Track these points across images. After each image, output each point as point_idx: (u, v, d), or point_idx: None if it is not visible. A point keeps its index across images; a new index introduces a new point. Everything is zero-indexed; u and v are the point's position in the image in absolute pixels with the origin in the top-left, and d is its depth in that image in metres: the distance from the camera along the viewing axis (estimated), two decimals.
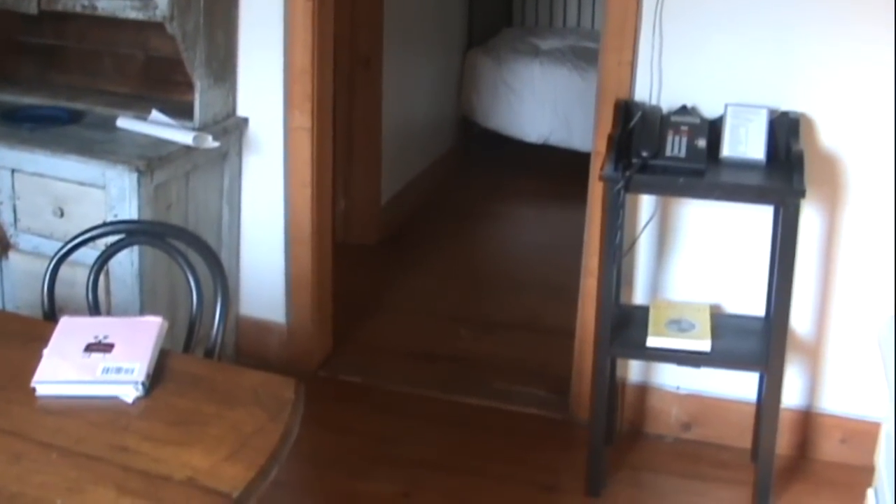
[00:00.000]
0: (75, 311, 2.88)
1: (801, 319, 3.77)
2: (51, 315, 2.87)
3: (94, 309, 2.95)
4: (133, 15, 3.83)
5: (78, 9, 3.90)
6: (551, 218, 6.26)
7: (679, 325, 3.59)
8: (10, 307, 3.87)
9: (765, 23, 3.59)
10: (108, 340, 2.47)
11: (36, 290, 2.98)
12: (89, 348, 2.45)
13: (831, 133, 3.61)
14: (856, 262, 3.70)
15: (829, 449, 3.88)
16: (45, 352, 2.44)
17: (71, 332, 2.52)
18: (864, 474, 3.35)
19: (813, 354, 3.82)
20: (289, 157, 4.19)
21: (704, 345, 3.51)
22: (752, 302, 3.76)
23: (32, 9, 3.94)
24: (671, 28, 3.66)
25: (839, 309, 3.76)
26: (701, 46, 3.66)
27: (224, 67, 4.06)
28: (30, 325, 2.78)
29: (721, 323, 3.66)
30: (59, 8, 3.92)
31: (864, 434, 3.67)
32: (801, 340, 3.79)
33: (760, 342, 3.58)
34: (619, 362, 3.92)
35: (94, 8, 3.87)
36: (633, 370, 4.01)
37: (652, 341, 3.54)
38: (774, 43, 3.59)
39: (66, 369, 2.39)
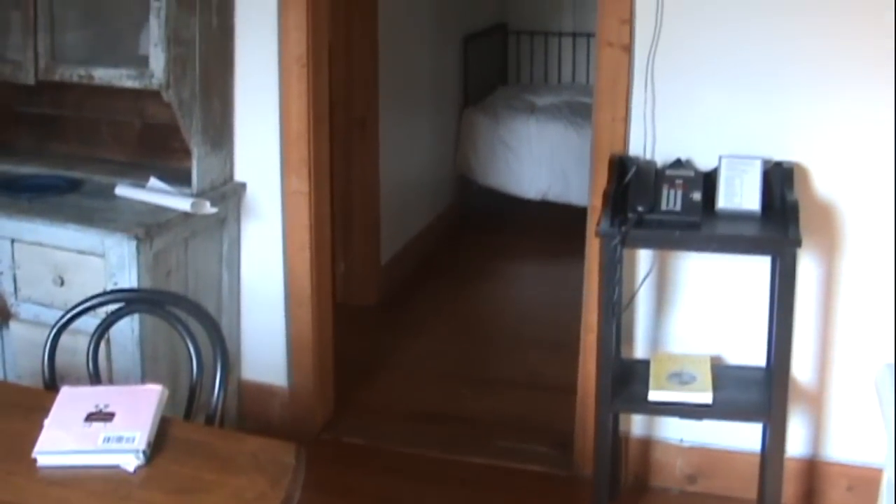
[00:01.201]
0: (76, 379, 2.89)
1: (802, 368, 3.77)
2: (52, 384, 2.88)
3: (95, 377, 2.95)
4: (129, 84, 3.86)
5: (75, 79, 3.93)
6: (551, 274, 6.26)
7: (680, 378, 3.59)
8: (10, 376, 3.87)
9: (755, 75, 3.62)
10: (109, 409, 2.47)
11: (37, 359, 2.99)
12: (90, 418, 2.45)
13: (825, 182, 3.63)
14: (854, 309, 3.70)
15: (836, 497, 3.86)
16: (46, 422, 2.44)
17: (72, 401, 2.52)
18: None
19: (816, 402, 3.81)
20: (287, 220, 4.21)
21: (706, 397, 3.51)
22: (752, 352, 3.76)
23: (30, 79, 3.97)
24: (663, 82, 3.69)
25: (840, 356, 3.76)
26: (693, 100, 3.69)
27: (221, 133, 4.09)
28: (31, 396, 2.78)
29: (722, 374, 3.66)
30: (57, 78, 3.96)
31: (870, 481, 3.65)
32: (803, 389, 3.79)
33: (762, 392, 3.58)
34: (622, 416, 3.92)
35: (91, 77, 3.90)
36: (636, 424, 4.00)
37: (654, 395, 3.53)
38: (765, 94, 3.62)
39: (67, 439, 2.39)
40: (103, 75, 3.89)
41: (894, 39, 3.43)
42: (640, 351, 3.92)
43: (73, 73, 3.92)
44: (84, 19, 4.06)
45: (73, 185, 4.07)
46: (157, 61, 3.75)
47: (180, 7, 3.75)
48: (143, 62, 3.80)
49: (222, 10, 4.01)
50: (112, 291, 3.43)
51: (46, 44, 3.92)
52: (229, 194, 4.13)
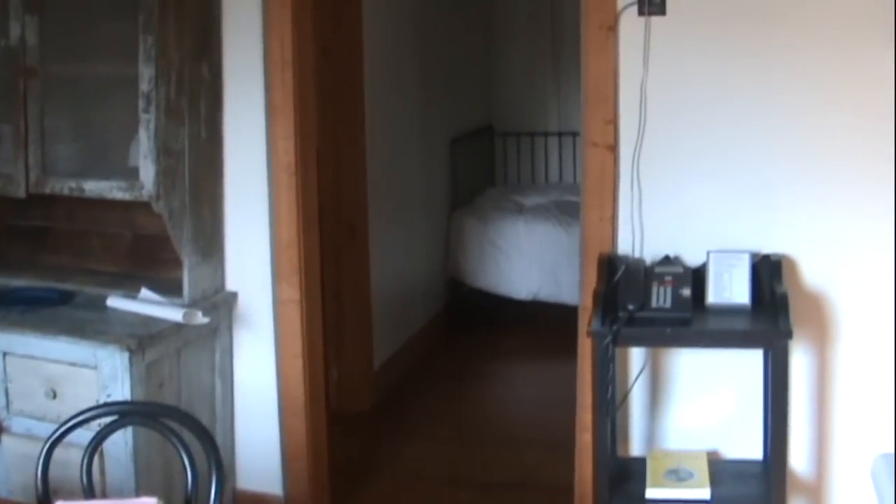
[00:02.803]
0: (70, 493, 2.87)
1: (799, 459, 3.75)
2: (45, 498, 2.85)
3: (89, 490, 2.93)
4: (120, 195, 3.89)
5: (65, 191, 3.96)
6: (544, 374, 6.25)
7: (677, 475, 3.57)
8: (3, 491, 3.83)
9: (740, 169, 3.66)
10: None
11: (29, 474, 2.97)
12: None
13: (813, 273, 3.65)
14: (849, 399, 3.70)
15: None
16: None
17: None
18: None
19: (814, 494, 3.78)
20: (279, 329, 4.21)
21: (704, 493, 3.49)
22: (749, 445, 3.74)
23: (21, 192, 4.00)
24: (648, 180, 3.73)
25: (837, 447, 3.74)
26: (679, 195, 3.72)
27: (211, 243, 4.11)
28: None
29: (719, 469, 3.65)
30: (48, 191, 3.99)
31: None
32: (802, 481, 3.77)
33: (760, 486, 3.56)
34: None
35: (82, 190, 3.93)
36: None
37: (651, 493, 3.51)
38: (751, 189, 3.66)
39: None
40: (94, 188, 3.92)
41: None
42: (636, 448, 3.90)
43: (63, 186, 3.95)
44: (74, 132, 4.10)
45: (65, 298, 4.08)
46: (147, 173, 3.78)
47: (169, 119, 3.80)
48: (133, 174, 3.83)
49: (210, 120, 4.06)
50: (105, 404, 3.41)
51: (37, 157, 3.96)
52: (221, 304, 4.14)
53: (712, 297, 3.55)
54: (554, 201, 7.38)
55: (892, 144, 3.53)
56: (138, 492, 3.62)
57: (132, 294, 4.03)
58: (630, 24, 3.67)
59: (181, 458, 2.86)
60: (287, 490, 4.32)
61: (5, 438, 3.85)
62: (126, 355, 3.64)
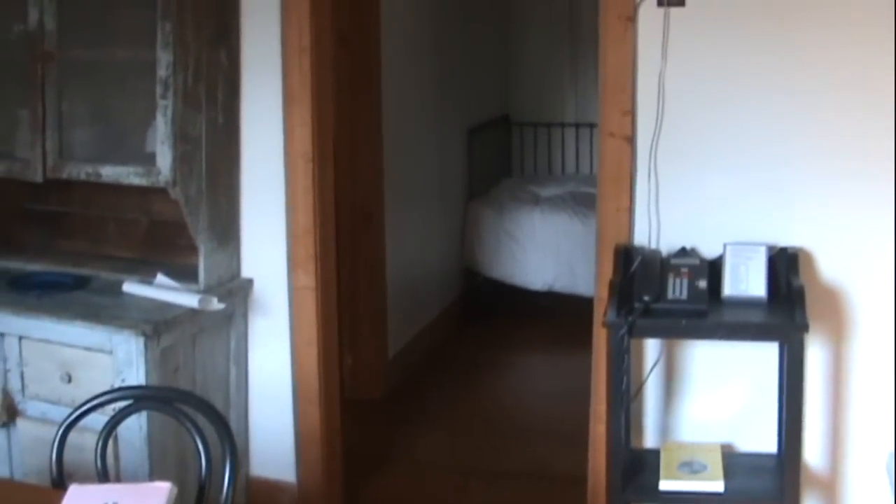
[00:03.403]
0: (84, 477, 2.87)
1: (813, 453, 3.74)
2: (59, 482, 2.86)
3: (103, 474, 2.94)
4: (137, 181, 3.89)
5: (83, 176, 3.97)
6: (559, 364, 6.25)
7: (691, 467, 3.57)
8: (18, 474, 3.85)
9: (757, 160, 3.65)
10: None
11: (44, 457, 2.98)
12: None
13: (831, 266, 3.64)
14: (865, 392, 3.69)
15: None
16: None
17: (80, 500, 2.51)
18: None
19: (829, 488, 3.78)
20: (294, 316, 4.22)
21: (718, 486, 3.49)
22: (763, 438, 3.73)
23: (38, 177, 4.01)
24: (665, 171, 3.72)
25: (852, 440, 3.73)
26: (696, 188, 3.71)
27: (227, 230, 4.11)
28: (39, 495, 2.77)
29: (733, 462, 3.64)
30: (64, 176, 4.00)
31: None
32: (815, 475, 3.76)
33: (774, 479, 3.55)
34: None
35: (99, 175, 3.94)
36: None
37: (665, 485, 3.51)
38: (768, 179, 3.65)
39: None
40: (111, 173, 3.92)
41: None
42: (649, 440, 3.90)
43: (80, 171, 3.96)
44: (91, 117, 4.11)
45: (81, 283, 4.09)
46: (164, 159, 3.78)
47: (186, 105, 3.80)
48: (150, 160, 3.84)
49: (228, 107, 4.06)
50: (120, 389, 3.43)
51: (54, 142, 3.97)
52: (236, 290, 4.14)
53: (728, 289, 3.54)
54: (570, 192, 7.37)
55: (893, 141, 3.53)
56: (152, 476, 3.64)
57: (148, 280, 4.04)
58: (649, 14, 3.66)
59: (195, 443, 2.87)
60: (300, 477, 4.32)
61: (20, 422, 3.87)
62: (141, 340, 3.65)
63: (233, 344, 4.17)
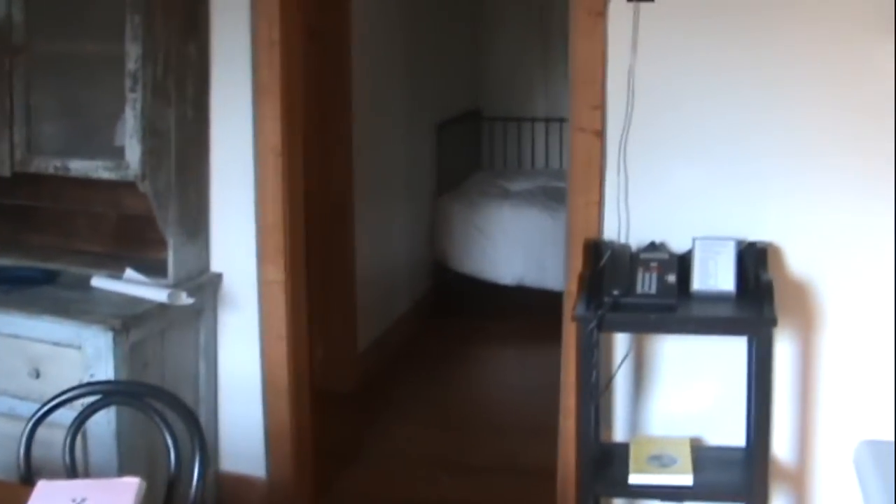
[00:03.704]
0: (52, 472, 2.86)
1: (782, 447, 3.77)
2: (27, 478, 2.85)
3: (72, 470, 2.93)
4: (105, 175, 3.88)
5: (51, 170, 3.95)
6: (529, 359, 6.27)
7: (660, 461, 3.58)
8: None
9: (727, 157, 3.66)
10: (87, 503, 2.45)
11: (12, 453, 2.96)
12: None
13: (799, 260, 3.66)
14: (833, 386, 3.71)
15: None
16: None
17: (48, 496, 2.50)
18: None
19: (797, 481, 3.80)
20: (263, 310, 4.21)
21: (687, 479, 3.50)
22: (732, 432, 3.75)
23: (5, 171, 3.99)
24: (635, 166, 3.73)
25: (820, 434, 3.76)
26: (665, 182, 3.73)
27: (197, 224, 4.10)
28: (6, 491, 2.76)
29: (702, 456, 3.66)
30: (33, 169, 3.97)
31: None
32: (784, 468, 3.78)
33: (743, 473, 3.57)
34: (603, 500, 3.90)
35: (67, 169, 3.92)
36: None
37: (634, 478, 3.52)
38: (737, 174, 3.67)
39: None
40: (79, 167, 3.90)
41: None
42: (619, 434, 3.91)
43: (49, 165, 3.94)
44: (60, 111, 4.08)
45: (50, 277, 4.07)
46: (133, 153, 3.77)
47: (156, 98, 3.78)
48: (119, 153, 3.82)
49: (197, 101, 4.04)
50: (89, 384, 3.41)
51: (22, 135, 3.95)
52: (205, 285, 4.13)
53: (697, 283, 3.55)
54: (540, 187, 7.38)
55: (893, 139, 3.54)
56: (121, 472, 3.62)
57: (117, 274, 4.02)
58: (619, 9, 3.67)
59: (164, 438, 2.86)
60: (270, 472, 4.32)
61: None
62: (110, 335, 3.64)
63: (202, 338, 4.16)
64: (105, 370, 3.64)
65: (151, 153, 3.79)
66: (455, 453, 5.03)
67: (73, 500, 2.46)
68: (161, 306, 3.85)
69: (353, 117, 5.52)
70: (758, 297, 3.43)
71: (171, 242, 3.97)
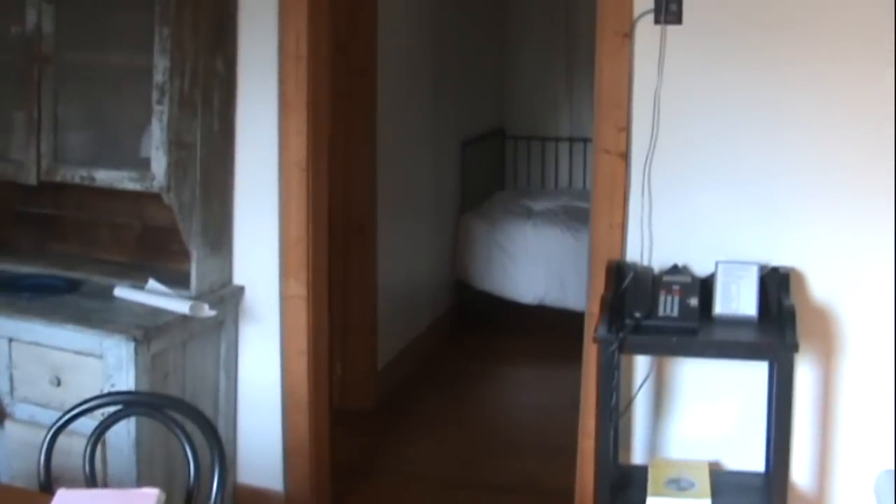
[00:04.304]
0: (71, 481, 2.87)
1: (801, 473, 3.75)
2: (46, 486, 2.85)
3: (91, 479, 2.93)
4: (130, 186, 3.90)
5: (77, 180, 3.97)
6: (548, 379, 6.25)
7: (678, 485, 3.57)
8: (4, 477, 3.84)
9: (751, 181, 3.66)
10: None
11: (32, 460, 2.97)
12: None
13: (821, 286, 3.65)
14: (854, 414, 3.70)
15: None
16: None
17: None
18: None
19: None
20: (285, 325, 4.21)
21: (705, 503, 3.49)
22: (751, 457, 3.74)
23: (32, 180, 4.01)
24: (659, 189, 3.73)
25: (839, 461, 3.74)
26: (689, 205, 3.72)
27: (220, 237, 4.11)
28: (26, 498, 2.77)
29: (721, 480, 3.65)
30: (58, 179, 3.99)
31: None
32: (803, 495, 3.76)
33: (761, 498, 3.56)
34: None
35: (93, 179, 3.94)
36: None
37: (652, 501, 3.51)
38: (761, 201, 3.66)
39: None
40: (105, 177, 3.92)
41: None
42: (637, 456, 3.90)
43: (74, 175, 3.96)
44: (86, 121, 4.11)
45: (73, 286, 4.08)
46: (159, 164, 3.79)
47: (182, 110, 3.80)
48: (144, 164, 3.84)
49: (223, 113, 4.06)
50: (110, 394, 3.42)
51: (49, 144, 3.97)
52: (227, 297, 4.14)
53: (719, 307, 3.55)
54: (563, 206, 7.38)
55: (893, 157, 3.53)
56: (140, 482, 3.63)
57: (139, 285, 4.04)
58: (645, 31, 3.68)
59: (184, 449, 2.86)
60: (287, 486, 4.32)
61: (9, 425, 3.86)
62: (132, 345, 3.65)
63: (223, 351, 4.17)
64: (126, 380, 3.65)
65: (177, 165, 3.81)
66: (472, 472, 5.02)
67: None
68: (183, 318, 3.86)
69: (377, 133, 5.52)
70: (780, 322, 3.42)
71: (194, 254, 3.98)
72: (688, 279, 3.58)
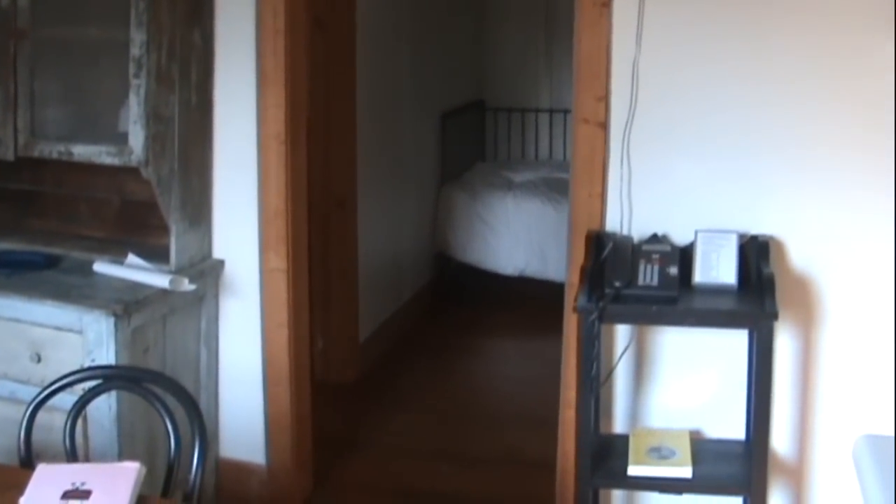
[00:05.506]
0: (53, 456, 2.87)
1: (781, 440, 3.77)
2: (28, 461, 2.86)
3: (72, 454, 2.93)
4: (109, 160, 3.88)
5: (54, 155, 3.95)
6: (529, 350, 6.26)
7: (659, 453, 3.59)
8: None
9: (730, 150, 3.66)
10: (86, 487, 2.46)
11: (12, 436, 2.97)
12: (67, 496, 2.44)
13: (801, 254, 3.66)
14: (833, 381, 3.71)
15: None
16: (22, 500, 2.43)
17: (48, 479, 2.51)
18: None
19: (796, 475, 3.80)
20: (265, 298, 4.21)
21: (686, 471, 3.50)
22: (731, 425, 3.76)
23: (9, 155, 3.99)
24: (639, 158, 3.72)
25: (819, 428, 3.76)
26: (669, 175, 3.72)
27: (199, 211, 4.10)
28: (6, 474, 2.76)
29: (701, 448, 3.66)
30: (36, 154, 3.97)
31: None
32: (783, 461, 3.79)
33: (742, 466, 3.58)
34: (602, 492, 3.90)
35: (71, 154, 3.92)
36: (616, 499, 3.99)
37: (633, 470, 3.52)
38: (740, 168, 3.66)
39: None
40: (83, 152, 3.90)
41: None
42: (619, 426, 3.91)
43: (52, 150, 3.94)
44: (64, 96, 4.08)
45: (52, 262, 4.07)
46: (137, 138, 3.77)
47: (160, 84, 3.78)
48: (122, 139, 3.82)
49: (201, 87, 4.04)
50: (89, 368, 3.42)
51: (26, 120, 3.95)
52: (207, 271, 4.13)
53: (699, 276, 3.56)
54: (543, 178, 7.38)
55: (893, 133, 3.54)
56: (121, 456, 3.63)
57: (119, 259, 4.03)
58: (624, 1, 3.66)
59: (165, 423, 2.87)
60: (270, 459, 4.32)
61: None
62: (112, 320, 3.64)
63: (203, 325, 4.17)
64: (106, 355, 3.65)
65: (155, 139, 3.79)
66: (454, 444, 5.04)
67: (73, 484, 2.47)
68: (163, 292, 3.86)
69: (357, 106, 5.51)
70: (759, 291, 3.43)
71: (173, 228, 3.97)
72: (667, 248, 3.58)
